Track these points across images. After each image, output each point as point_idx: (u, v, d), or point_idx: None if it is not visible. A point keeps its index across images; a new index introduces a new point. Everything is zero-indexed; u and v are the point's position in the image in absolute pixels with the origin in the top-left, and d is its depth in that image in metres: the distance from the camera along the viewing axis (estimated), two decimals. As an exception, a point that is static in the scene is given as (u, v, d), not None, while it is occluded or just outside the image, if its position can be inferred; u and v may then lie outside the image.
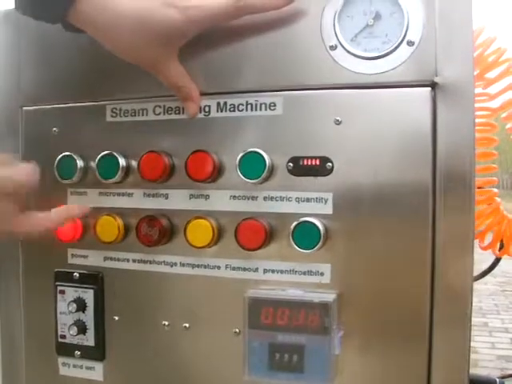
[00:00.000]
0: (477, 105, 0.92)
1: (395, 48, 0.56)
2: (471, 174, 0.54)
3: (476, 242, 0.98)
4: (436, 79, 0.55)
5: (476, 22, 0.91)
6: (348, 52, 0.57)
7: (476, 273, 1.19)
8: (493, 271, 1.18)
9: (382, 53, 0.56)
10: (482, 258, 1.11)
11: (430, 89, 0.55)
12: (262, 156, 0.57)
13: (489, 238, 0.97)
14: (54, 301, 0.66)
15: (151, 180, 0.61)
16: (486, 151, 0.95)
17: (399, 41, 0.56)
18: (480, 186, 0.98)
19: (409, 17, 0.55)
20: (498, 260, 1.07)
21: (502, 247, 0.98)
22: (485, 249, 0.98)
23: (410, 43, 0.56)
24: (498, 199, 0.96)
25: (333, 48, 0.58)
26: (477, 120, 0.92)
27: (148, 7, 0.55)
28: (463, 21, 0.55)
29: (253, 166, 0.57)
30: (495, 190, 0.96)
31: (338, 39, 0.57)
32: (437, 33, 0.55)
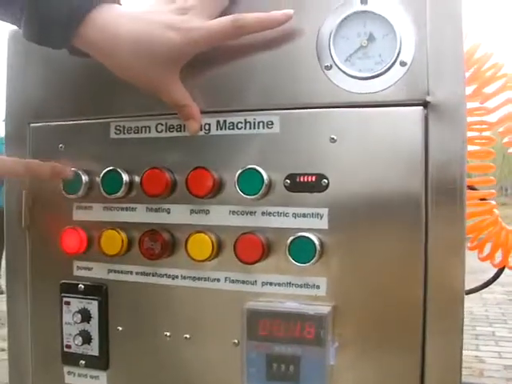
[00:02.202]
0: (474, 119, 0.94)
1: (388, 68, 0.58)
2: (462, 191, 0.56)
3: (475, 252, 0.99)
4: (428, 98, 0.57)
5: (473, 37, 0.93)
6: (343, 72, 0.59)
7: (481, 282, 1.21)
8: (501, 280, 1.19)
9: (376, 73, 0.58)
10: (486, 268, 1.12)
11: (422, 108, 0.57)
12: (260, 173, 0.59)
13: (488, 249, 0.99)
14: (60, 311, 0.69)
15: (153, 195, 0.63)
16: (484, 164, 0.97)
17: (392, 61, 0.58)
18: (482, 197, 1.00)
19: (401, 38, 0.57)
20: (501, 270, 1.08)
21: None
22: (483, 259, 1.00)
23: (403, 64, 0.58)
24: (496, 211, 0.98)
25: (328, 68, 0.60)
26: (474, 134, 0.94)
27: (148, 30, 0.58)
28: (454, 41, 0.57)
29: (251, 182, 0.59)
30: (493, 202, 0.98)
31: (333, 59, 0.59)
32: (428, 53, 0.57)
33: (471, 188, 0.96)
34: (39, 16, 0.57)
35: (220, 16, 0.60)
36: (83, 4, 0.56)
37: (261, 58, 0.61)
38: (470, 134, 0.93)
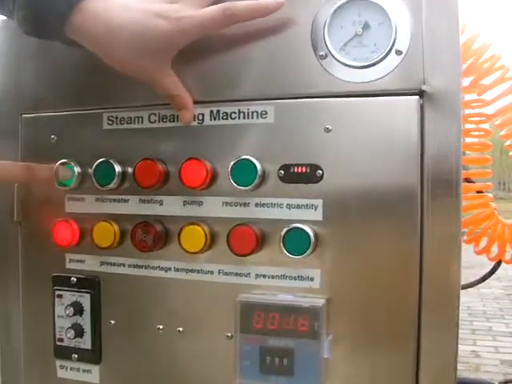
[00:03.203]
0: (471, 111, 0.93)
1: (384, 57, 0.57)
2: (458, 181, 0.55)
3: (471, 246, 0.99)
4: (423, 87, 0.56)
5: (471, 28, 0.92)
6: (337, 61, 0.58)
7: (478, 277, 1.20)
8: (498, 275, 1.18)
9: (371, 62, 0.57)
10: (484, 262, 1.11)
11: (417, 97, 0.56)
12: (254, 163, 0.58)
13: (484, 243, 0.98)
14: (52, 305, 0.68)
15: (146, 187, 0.62)
16: (481, 156, 0.96)
17: (387, 50, 0.57)
18: (479, 190, 1.00)
19: (397, 27, 0.57)
20: (498, 264, 1.08)
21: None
22: (479, 253, 0.99)
23: (398, 52, 0.57)
24: (492, 204, 0.97)
25: (323, 57, 0.59)
26: (471, 126, 0.94)
27: (140, 19, 0.57)
28: (450, 30, 0.56)
29: (245, 173, 0.58)
30: (490, 195, 0.97)
31: (328, 48, 0.58)
32: (424, 42, 0.56)
33: (468, 181, 0.95)
34: (32, 6, 0.56)
35: (212, 5, 0.59)
36: None
37: (255, 47, 0.61)
38: (467, 126, 0.92)
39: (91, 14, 0.56)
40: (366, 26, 0.58)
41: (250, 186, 0.58)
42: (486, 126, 0.95)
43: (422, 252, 0.56)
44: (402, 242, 0.56)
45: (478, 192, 0.97)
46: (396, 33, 0.56)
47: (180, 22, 0.57)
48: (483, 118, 0.93)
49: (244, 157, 0.59)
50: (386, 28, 0.57)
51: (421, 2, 0.56)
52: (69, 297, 0.67)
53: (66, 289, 0.67)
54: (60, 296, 0.67)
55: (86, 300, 0.66)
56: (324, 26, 0.59)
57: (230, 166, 0.59)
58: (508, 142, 0.94)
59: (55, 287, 0.68)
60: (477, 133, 0.93)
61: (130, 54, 0.57)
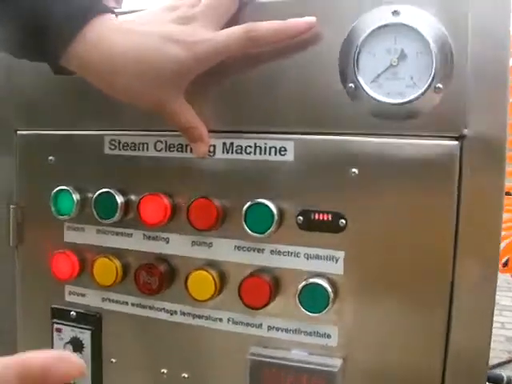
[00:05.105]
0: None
1: (421, 94, 0.50)
2: (497, 244, 0.49)
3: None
4: (465, 132, 0.49)
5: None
6: (368, 95, 0.51)
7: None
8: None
9: (406, 99, 0.50)
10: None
11: (457, 142, 0.50)
12: (270, 209, 0.53)
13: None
14: (51, 338, 0.64)
15: (151, 224, 0.57)
16: None
17: (426, 86, 0.50)
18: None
19: (438, 58, 0.49)
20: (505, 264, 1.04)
21: (506, 264, 0.94)
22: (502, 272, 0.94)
23: (437, 89, 0.50)
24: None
25: (351, 89, 0.52)
26: None
27: (148, 46, 0.50)
28: (498, 64, 0.49)
29: (259, 218, 0.53)
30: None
31: (358, 80, 0.51)
32: (468, 78, 0.49)
33: (506, 193, 0.89)
34: (20, 27, 0.49)
35: (228, 22, 0.52)
36: (75, 17, 0.48)
37: (275, 74, 0.54)
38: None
39: (93, 43, 0.48)
40: (402, 56, 0.51)
41: (264, 234, 0.53)
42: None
43: (450, 324, 0.51)
44: (427, 299, 0.51)
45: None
46: (436, 66, 0.49)
47: (196, 46, 0.50)
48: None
49: (259, 200, 0.53)
50: (425, 59, 0.50)
51: (467, 30, 0.49)
52: (68, 332, 0.63)
53: (65, 323, 0.63)
54: (59, 330, 0.63)
55: (86, 337, 0.62)
56: (354, 53, 0.51)
57: (243, 210, 0.53)
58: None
59: (54, 320, 0.64)
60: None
61: (138, 85, 0.50)
